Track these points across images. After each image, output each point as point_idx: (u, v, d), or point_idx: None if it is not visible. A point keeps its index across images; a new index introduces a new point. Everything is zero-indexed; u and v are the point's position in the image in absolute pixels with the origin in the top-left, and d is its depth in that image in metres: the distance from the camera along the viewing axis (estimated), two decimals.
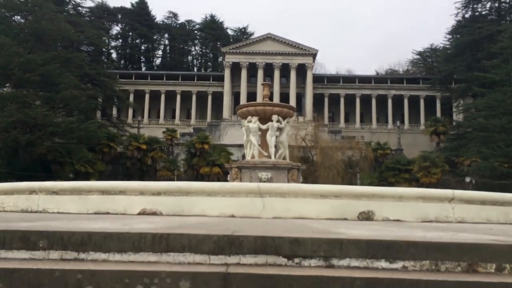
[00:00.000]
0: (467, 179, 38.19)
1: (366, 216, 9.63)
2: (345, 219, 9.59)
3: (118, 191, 10.15)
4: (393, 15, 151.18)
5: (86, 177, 39.81)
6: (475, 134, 40.05)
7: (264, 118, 19.65)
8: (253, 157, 19.34)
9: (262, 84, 21.68)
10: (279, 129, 19.60)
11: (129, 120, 68.56)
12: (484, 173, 37.47)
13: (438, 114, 69.07)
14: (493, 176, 36.00)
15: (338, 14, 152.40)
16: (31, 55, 37.61)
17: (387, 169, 43.90)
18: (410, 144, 64.80)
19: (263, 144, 19.83)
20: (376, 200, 9.74)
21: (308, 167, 42.86)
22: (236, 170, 18.96)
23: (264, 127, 19.34)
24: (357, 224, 8.30)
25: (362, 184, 41.02)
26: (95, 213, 10.22)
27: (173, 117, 73.21)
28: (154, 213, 9.86)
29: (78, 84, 45.26)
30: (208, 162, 43.92)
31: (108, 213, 10.07)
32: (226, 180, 20.78)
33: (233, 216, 9.53)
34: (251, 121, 19.53)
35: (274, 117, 19.34)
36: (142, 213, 9.96)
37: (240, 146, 20.17)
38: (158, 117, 73.01)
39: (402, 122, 69.08)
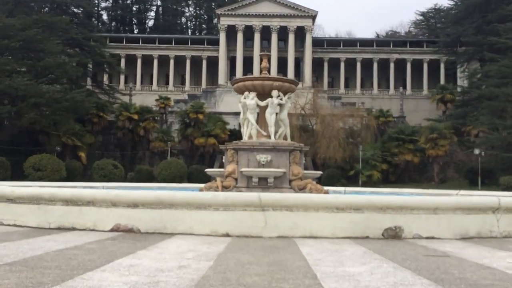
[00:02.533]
0: (476, 151, 36.43)
1: (393, 234, 7.80)
2: (367, 237, 7.74)
3: (85, 201, 8.24)
4: None
5: (74, 150, 37.94)
6: (485, 103, 37.98)
7: (263, 94, 17.48)
8: (250, 137, 17.31)
9: (260, 55, 19.34)
10: (280, 106, 17.45)
11: (121, 86, 65.83)
12: (494, 144, 35.72)
13: (442, 79, 66.72)
14: (504, 148, 34.30)
15: None
16: (10, 19, 34.66)
17: (390, 139, 42.05)
18: (412, 110, 62.81)
19: (262, 123, 17.75)
20: (405, 213, 7.88)
21: (307, 137, 41.04)
22: (232, 152, 16.98)
23: (263, 103, 17.19)
24: (382, 249, 6.44)
25: (364, 156, 39.38)
26: (58, 228, 8.33)
27: (167, 83, 70.53)
28: (130, 230, 7.98)
29: (64, 50, 42.50)
30: (203, 133, 41.90)
31: (74, 229, 8.19)
32: (221, 161, 18.84)
33: (227, 235, 7.67)
34: (248, 97, 17.35)
35: (274, 93, 17.16)
36: (116, 229, 8.07)
37: (237, 114, 18.15)
38: (151, 83, 70.30)
39: (404, 87, 66.72)
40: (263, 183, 16.09)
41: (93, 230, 7.99)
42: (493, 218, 8.11)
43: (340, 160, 38.18)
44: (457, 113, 48.51)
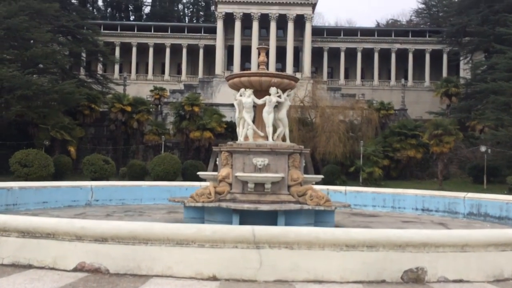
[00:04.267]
0: (482, 148, 35.17)
1: (415, 277, 6.48)
2: (383, 281, 6.41)
3: (45, 233, 6.88)
4: None
5: (63, 144, 36.45)
6: (492, 97, 36.57)
7: (260, 91, 16.04)
8: (246, 138, 15.91)
9: (258, 48, 17.80)
10: (278, 104, 16.01)
11: (116, 76, 64.17)
12: (500, 141, 34.42)
13: (445, 70, 65.29)
14: (511, 145, 33.01)
15: None
16: None
17: (392, 134, 40.67)
18: (414, 102, 61.54)
19: (259, 122, 16.34)
20: (428, 251, 6.55)
21: (307, 131, 39.68)
22: (227, 155, 15.62)
23: (260, 102, 15.75)
24: None
25: (365, 152, 38.05)
26: (12, 265, 6.96)
27: (163, 72, 68.86)
28: (96, 270, 6.63)
29: (54, 38, 40.69)
30: (198, 126, 40.42)
31: (30, 266, 6.84)
32: (215, 160, 17.46)
33: (214, 278, 6.33)
34: (244, 95, 15.91)
35: (273, 90, 15.71)
36: (80, 268, 6.71)
37: (233, 105, 16.65)
38: (147, 72, 68.64)
39: (406, 78, 65.24)
40: (259, 189, 14.77)
41: (52, 268, 6.65)
42: None
43: (340, 155, 36.88)
44: (460, 107, 47.15)
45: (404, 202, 21.99)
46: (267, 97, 15.48)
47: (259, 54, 17.64)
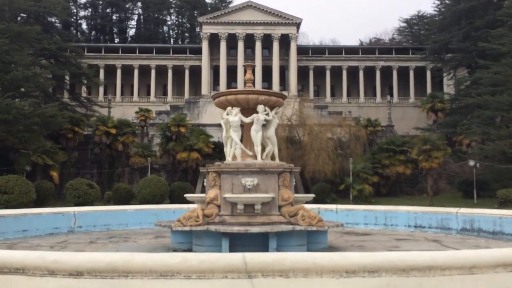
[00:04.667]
0: (471, 163, 35.12)
1: None
2: None
3: (13, 267, 6.23)
4: None
5: (45, 169, 35.43)
6: (478, 111, 36.72)
7: (248, 109, 15.59)
8: (234, 158, 15.39)
9: (244, 66, 17.41)
10: (266, 122, 15.55)
11: (100, 98, 63.44)
12: (488, 155, 34.44)
13: (429, 86, 66.08)
14: (498, 159, 33.03)
15: None
16: None
17: (380, 150, 40.50)
18: (400, 118, 61.87)
19: (247, 141, 15.85)
20: (434, 274, 6.06)
21: (295, 149, 39.28)
22: (214, 176, 15.06)
23: (247, 120, 15.29)
24: None
25: (354, 169, 37.74)
26: None
27: (148, 93, 68.38)
28: None
29: (36, 61, 39.98)
30: (185, 147, 39.76)
31: None
32: (203, 181, 16.89)
33: None
34: (231, 113, 15.42)
35: (260, 108, 15.27)
36: None
37: (221, 125, 16.06)
38: (132, 94, 68.04)
39: (391, 95, 65.75)
40: (249, 210, 14.19)
41: None
42: None
43: (329, 173, 36.51)
44: (446, 122, 47.41)
45: (396, 219, 21.58)
46: (254, 115, 15.05)
47: (245, 72, 17.29)
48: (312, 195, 16.40)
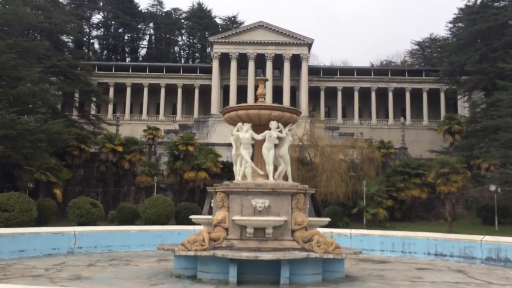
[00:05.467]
0: (492, 187, 33.61)
1: None
2: None
3: None
4: (388, 7, 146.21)
5: (48, 187, 34.53)
6: (500, 134, 35.39)
7: (259, 125, 14.57)
8: (244, 177, 14.30)
9: (256, 79, 16.48)
10: (279, 139, 14.48)
11: (109, 116, 63.09)
12: (509, 180, 32.93)
13: (442, 108, 64.99)
14: None
15: (331, 4, 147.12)
16: None
17: (395, 173, 39.11)
18: (413, 141, 60.61)
19: (258, 160, 14.77)
20: None
21: (306, 170, 38.09)
22: (223, 196, 13.97)
23: (259, 137, 14.25)
24: None
25: (368, 192, 36.37)
26: None
27: (157, 112, 68.00)
28: None
29: (45, 77, 39.60)
30: (193, 166, 38.74)
31: None
32: (210, 201, 15.77)
33: None
34: (241, 129, 14.40)
35: (273, 124, 14.25)
36: None
37: (230, 145, 15.04)
38: (141, 112, 67.70)
39: (404, 117, 64.66)
40: (259, 235, 13.02)
41: None
42: None
43: (342, 196, 35.18)
44: (462, 145, 46.06)
45: (415, 246, 20.34)
46: (267, 132, 14.02)
47: (256, 88, 16.28)
48: (327, 219, 15.16)
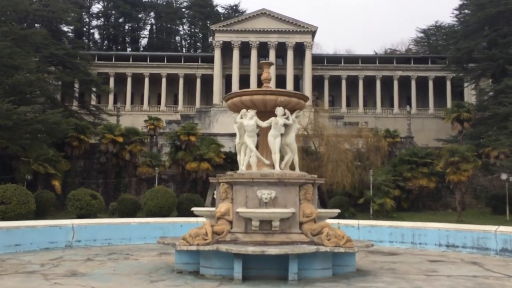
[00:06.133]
0: (503, 176, 32.77)
1: None
2: None
3: None
4: None
5: (47, 178, 33.81)
6: (509, 122, 34.43)
7: (264, 112, 13.72)
8: (249, 167, 13.49)
9: (261, 63, 15.59)
10: (285, 127, 13.62)
11: (110, 106, 62.30)
12: None
13: (448, 96, 63.95)
14: None
15: None
16: None
17: (402, 162, 38.26)
18: (418, 130, 59.71)
19: (263, 148, 13.94)
20: None
21: (311, 160, 37.28)
22: (226, 187, 13.17)
23: (264, 124, 13.40)
24: None
25: (375, 182, 35.59)
26: None
27: (159, 102, 67.16)
28: None
29: (42, 67, 38.72)
30: (195, 157, 37.95)
31: None
32: (213, 193, 15.04)
33: None
34: (246, 116, 13.53)
35: (279, 111, 13.39)
36: None
37: (233, 135, 14.23)
38: (142, 103, 66.86)
39: (409, 105, 63.67)
40: (265, 228, 12.25)
41: None
42: None
43: (348, 186, 34.41)
44: (470, 133, 45.11)
45: (425, 237, 19.67)
46: (272, 118, 13.15)
47: (258, 79, 15.39)
48: (336, 210, 14.37)
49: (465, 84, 59.03)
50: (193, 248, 11.59)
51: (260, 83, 14.81)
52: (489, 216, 33.97)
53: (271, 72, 48.64)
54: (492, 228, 18.75)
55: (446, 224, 21.58)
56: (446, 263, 15.07)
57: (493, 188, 35.90)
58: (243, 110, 13.41)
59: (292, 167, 14.06)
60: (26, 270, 12.37)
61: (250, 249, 11.02)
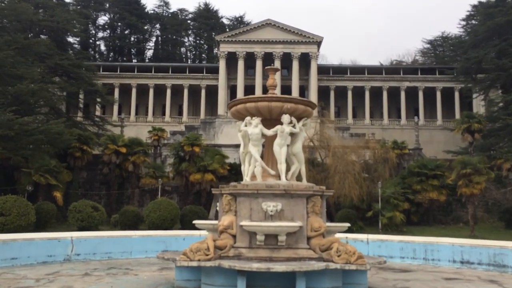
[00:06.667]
0: None
1: None
2: None
3: None
4: (395, 5, 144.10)
5: (48, 190, 33.20)
6: None
7: (270, 119, 13.00)
8: (254, 177, 12.73)
9: (266, 69, 14.93)
10: (292, 135, 12.88)
11: (114, 117, 61.96)
12: None
13: (457, 108, 63.07)
14: None
15: (338, 4, 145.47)
16: None
17: (411, 174, 37.31)
18: (427, 141, 58.76)
19: (269, 158, 13.20)
20: None
21: (317, 172, 36.43)
22: (229, 199, 12.42)
23: (270, 132, 12.67)
24: None
25: (383, 194, 34.62)
26: None
27: (163, 113, 66.82)
28: None
29: (46, 77, 38.40)
30: (199, 168, 37.28)
31: None
32: (217, 205, 14.26)
33: None
34: (250, 124, 12.83)
35: (285, 118, 12.67)
36: None
37: (237, 146, 13.48)
38: (147, 113, 66.53)
39: (417, 116, 62.79)
40: (271, 242, 11.48)
41: None
42: None
43: (356, 198, 33.49)
44: (480, 145, 44.13)
45: (438, 253, 18.74)
46: (278, 126, 12.45)
47: (263, 89, 14.71)
48: (346, 224, 13.56)
49: (474, 95, 58.15)
50: (194, 264, 10.91)
51: (265, 94, 14.11)
52: (502, 230, 32.87)
53: (277, 82, 47.64)
54: (509, 244, 17.91)
55: (460, 239, 20.68)
56: (462, 281, 14.26)
57: (506, 201, 34.83)
58: (248, 118, 12.74)
59: (299, 178, 13.30)
60: (20, 286, 11.86)
61: (255, 266, 10.32)
